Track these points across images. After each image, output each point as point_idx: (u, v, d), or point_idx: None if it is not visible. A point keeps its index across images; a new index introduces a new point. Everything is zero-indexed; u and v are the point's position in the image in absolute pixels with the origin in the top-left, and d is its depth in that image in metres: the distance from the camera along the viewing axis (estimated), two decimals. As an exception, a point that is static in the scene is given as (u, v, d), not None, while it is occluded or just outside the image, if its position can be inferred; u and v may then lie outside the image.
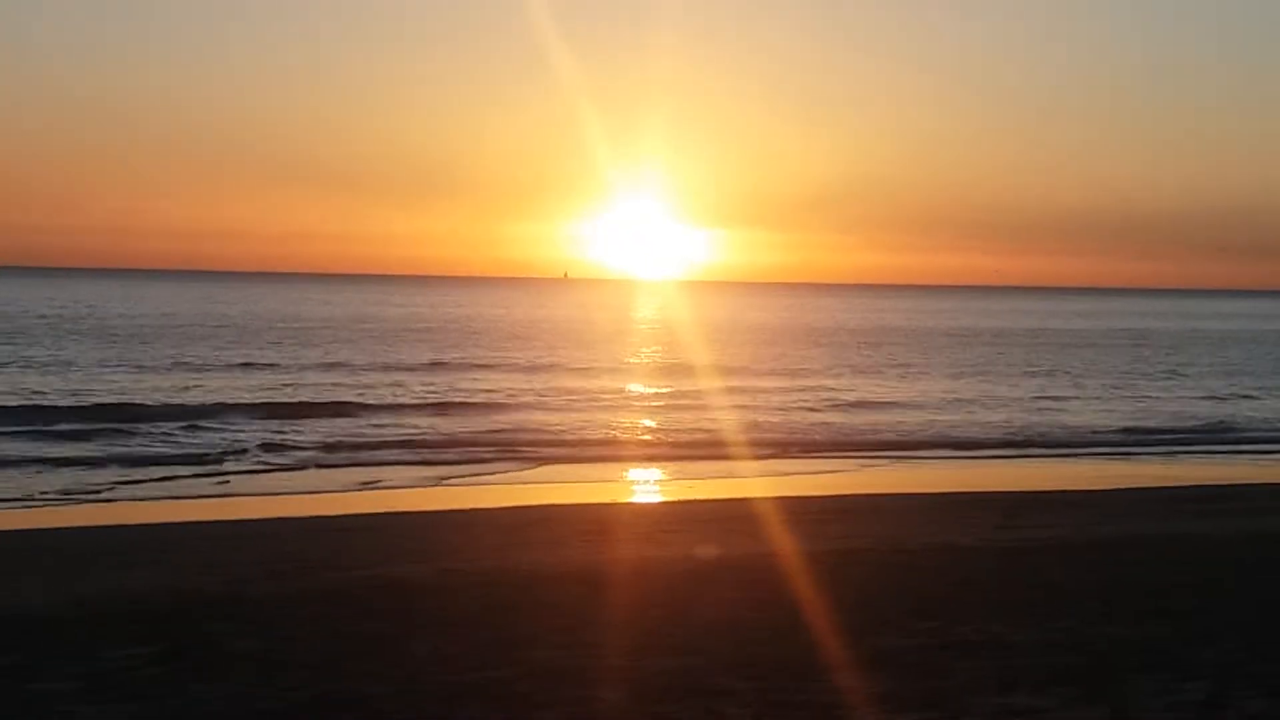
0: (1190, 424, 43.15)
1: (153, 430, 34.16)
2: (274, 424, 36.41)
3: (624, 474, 31.42)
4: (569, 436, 36.71)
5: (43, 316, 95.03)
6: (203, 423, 36.13)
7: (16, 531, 20.92)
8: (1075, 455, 35.26)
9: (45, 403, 40.48)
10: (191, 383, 48.63)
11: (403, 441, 34.06)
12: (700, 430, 38.13)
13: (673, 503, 26.30)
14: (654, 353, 74.25)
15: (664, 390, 51.30)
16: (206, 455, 30.84)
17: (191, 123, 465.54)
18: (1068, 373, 64.29)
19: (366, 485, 27.48)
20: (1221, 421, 43.95)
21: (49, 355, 59.91)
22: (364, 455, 31.92)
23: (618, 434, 37.99)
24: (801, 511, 21.35)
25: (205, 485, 27.01)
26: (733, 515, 20.99)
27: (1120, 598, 13.07)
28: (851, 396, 49.65)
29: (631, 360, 68.02)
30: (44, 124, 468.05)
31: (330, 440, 33.80)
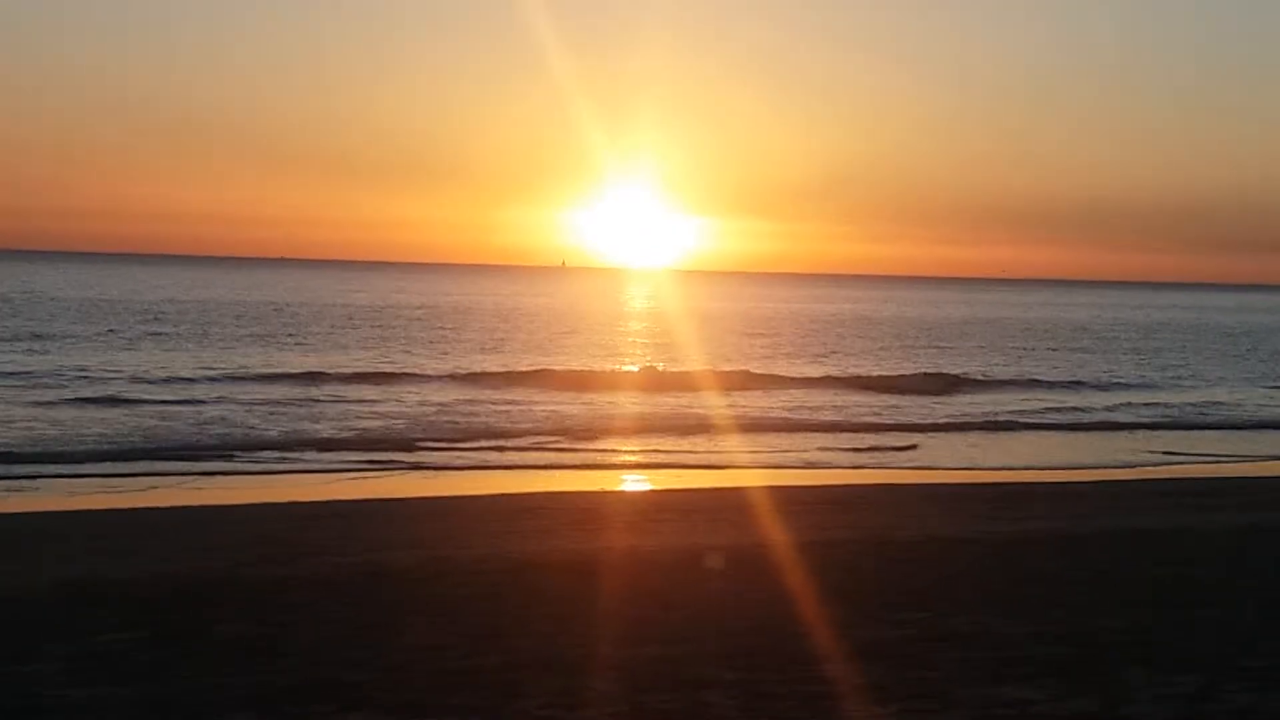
0: None
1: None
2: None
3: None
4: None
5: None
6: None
7: (6, 515, 20.89)
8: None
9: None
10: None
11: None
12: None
13: (678, 491, 24.94)
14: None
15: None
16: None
17: (187, 107, 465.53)
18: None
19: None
20: None
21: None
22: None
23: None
24: (791, 502, 21.37)
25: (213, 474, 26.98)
26: (724, 505, 21.00)
27: (1111, 590, 13.07)
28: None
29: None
30: (38, 107, 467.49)
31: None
